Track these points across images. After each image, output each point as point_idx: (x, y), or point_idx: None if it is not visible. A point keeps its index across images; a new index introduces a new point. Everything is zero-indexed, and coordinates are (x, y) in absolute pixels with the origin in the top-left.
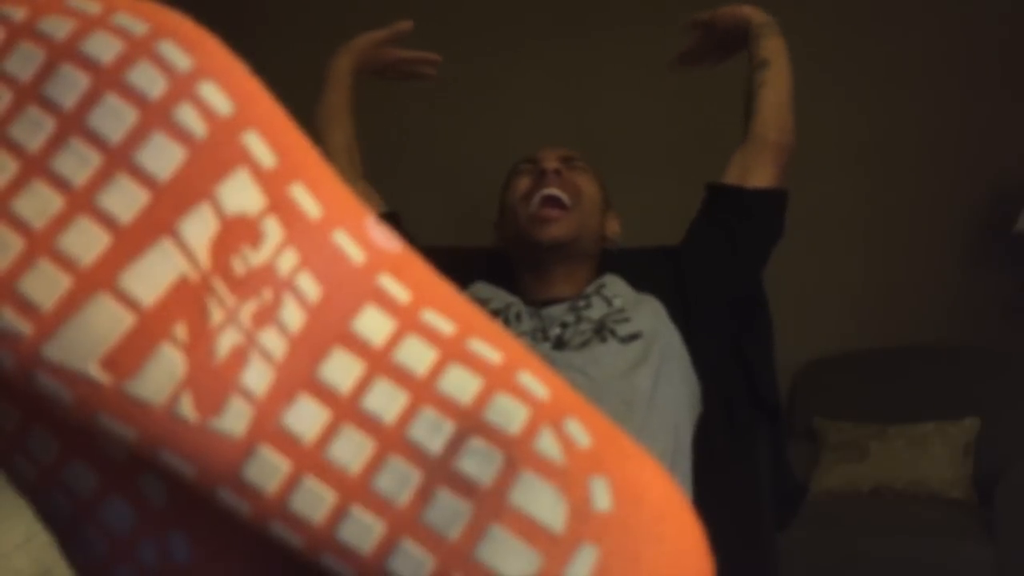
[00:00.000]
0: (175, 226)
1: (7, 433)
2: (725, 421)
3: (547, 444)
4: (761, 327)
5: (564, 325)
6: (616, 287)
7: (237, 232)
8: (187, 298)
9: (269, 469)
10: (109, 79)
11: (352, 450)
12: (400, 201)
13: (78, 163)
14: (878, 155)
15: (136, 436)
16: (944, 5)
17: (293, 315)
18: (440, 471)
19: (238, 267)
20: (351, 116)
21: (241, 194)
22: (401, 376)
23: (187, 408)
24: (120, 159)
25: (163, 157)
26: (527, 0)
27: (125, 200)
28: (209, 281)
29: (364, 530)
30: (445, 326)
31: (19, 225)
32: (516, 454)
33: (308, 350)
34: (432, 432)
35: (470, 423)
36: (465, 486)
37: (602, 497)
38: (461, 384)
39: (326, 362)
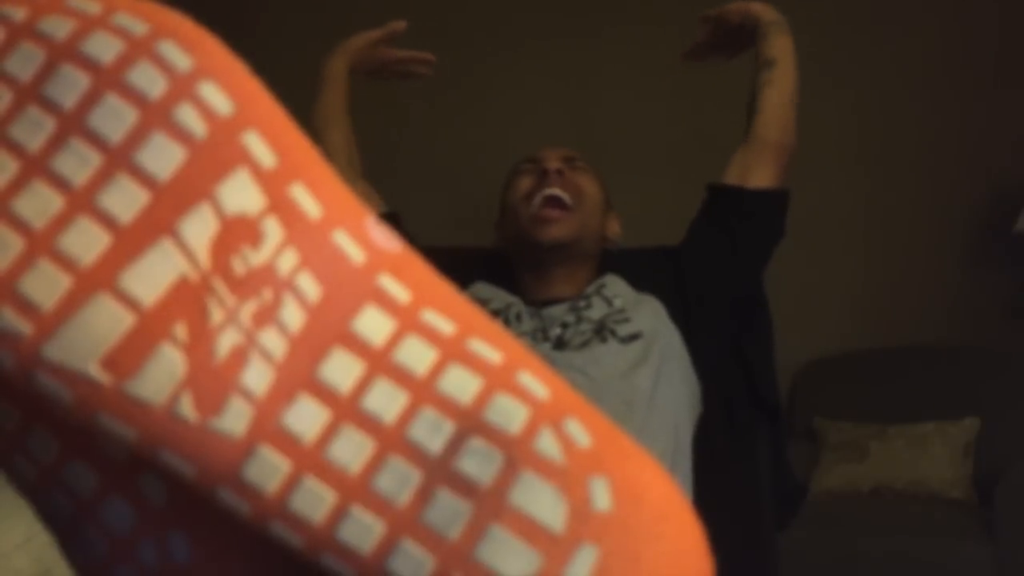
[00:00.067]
0: (175, 226)
1: (7, 433)
2: (725, 421)
3: (547, 444)
4: (761, 327)
5: (564, 325)
6: (616, 287)
7: (237, 232)
8: (187, 298)
9: (269, 469)
10: (109, 79)
11: (352, 450)
12: (400, 201)
13: (78, 163)
14: (878, 155)
15: (136, 436)
16: (944, 5)
17: (293, 315)
18: (440, 471)
19: (238, 267)
20: (348, 116)
21: (241, 194)
22: (401, 376)
23: (187, 408)
24: (120, 159)
25: (163, 157)
26: (527, 0)
27: (125, 200)
28: (209, 281)
29: (364, 530)
30: (445, 326)
31: (19, 225)
32: (516, 454)
33: (308, 350)
34: (432, 432)
35: (470, 423)
36: (465, 486)
37: (602, 497)
38: (461, 384)
39: (326, 362)
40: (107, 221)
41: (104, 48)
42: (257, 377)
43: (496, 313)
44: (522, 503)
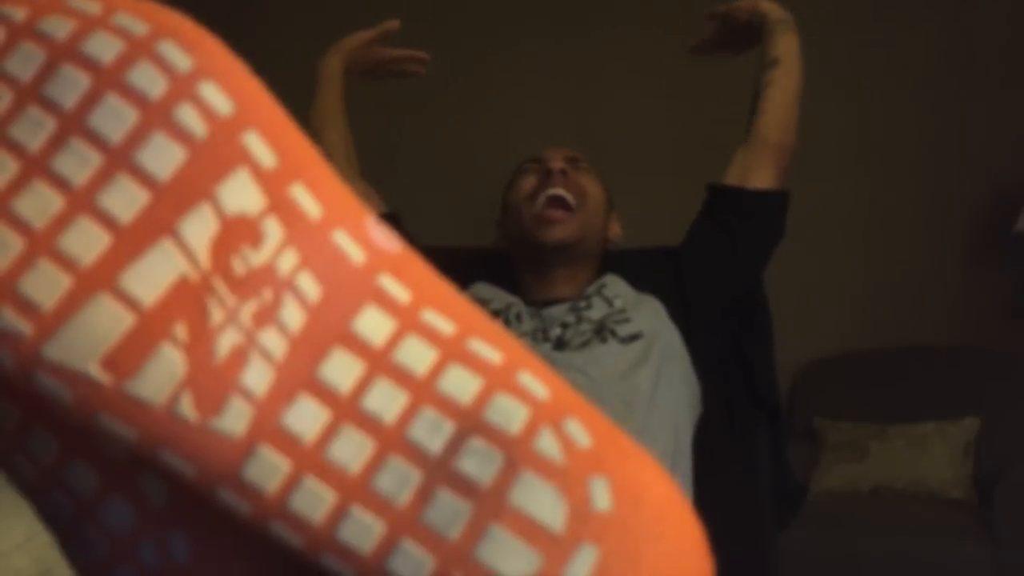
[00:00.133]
0: (175, 226)
1: (7, 433)
2: (725, 421)
3: (547, 444)
4: (761, 327)
5: (565, 325)
6: (617, 287)
7: (237, 232)
8: (187, 298)
9: (269, 469)
10: (109, 79)
11: (352, 450)
12: (400, 201)
13: (78, 163)
14: (878, 155)
15: (136, 436)
16: (944, 5)
17: (293, 315)
18: (440, 471)
19: (238, 267)
20: (345, 116)
21: (241, 194)
22: (401, 376)
23: (187, 408)
24: (120, 159)
25: (163, 157)
26: (527, 0)
27: (125, 200)
28: (209, 281)
29: (364, 530)
30: (445, 326)
31: (19, 225)
32: (516, 454)
33: (308, 350)
34: (432, 432)
35: (470, 423)
36: (465, 486)
37: (602, 497)
38: (461, 384)
39: (326, 362)
40: (107, 221)
41: (104, 48)
42: (257, 377)
43: (496, 313)
44: (522, 503)
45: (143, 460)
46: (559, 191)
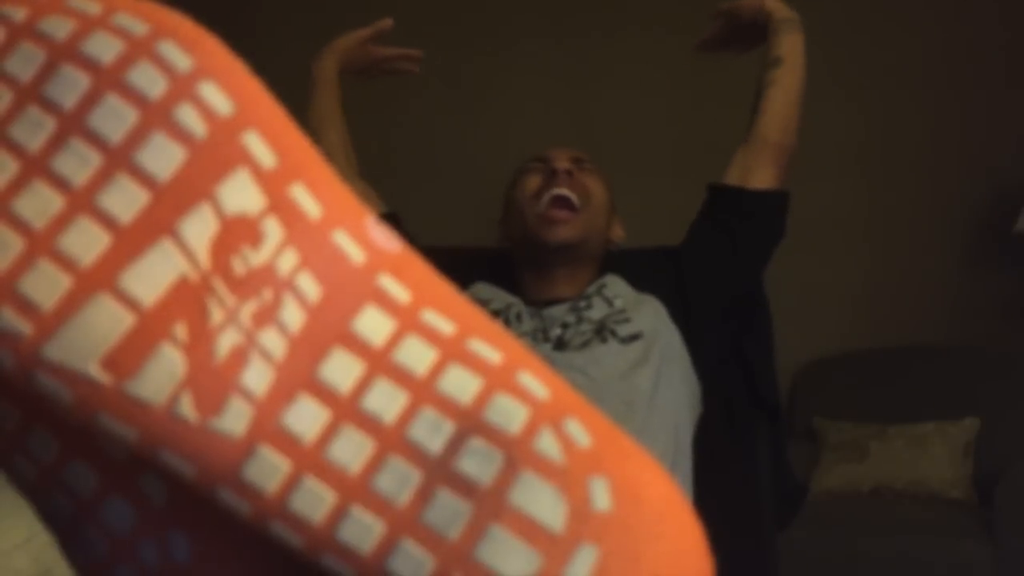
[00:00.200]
0: (175, 226)
1: (7, 433)
2: (725, 421)
3: (547, 444)
4: (761, 327)
5: (565, 326)
6: (617, 287)
7: (237, 232)
8: (187, 298)
9: (269, 469)
10: (109, 79)
11: (352, 450)
12: (400, 201)
13: (78, 163)
14: (878, 155)
15: (136, 436)
16: (945, 5)
17: (293, 315)
18: (440, 471)
19: (238, 267)
20: (342, 116)
21: (241, 194)
22: (401, 376)
23: (187, 408)
24: (120, 159)
25: (163, 157)
26: (528, 0)
27: (125, 200)
28: (209, 281)
29: (364, 530)
30: (445, 326)
31: (19, 225)
32: (516, 454)
33: (308, 350)
34: (432, 432)
35: (470, 423)
36: (465, 486)
37: (602, 497)
38: (461, 384)
39: (326, 362)
40: (107, 221)
41: (104, 48)
42: (257, 377)
43: (496, 313)
44: (522, 503)
45: (143, 460)
46: (564, 191)
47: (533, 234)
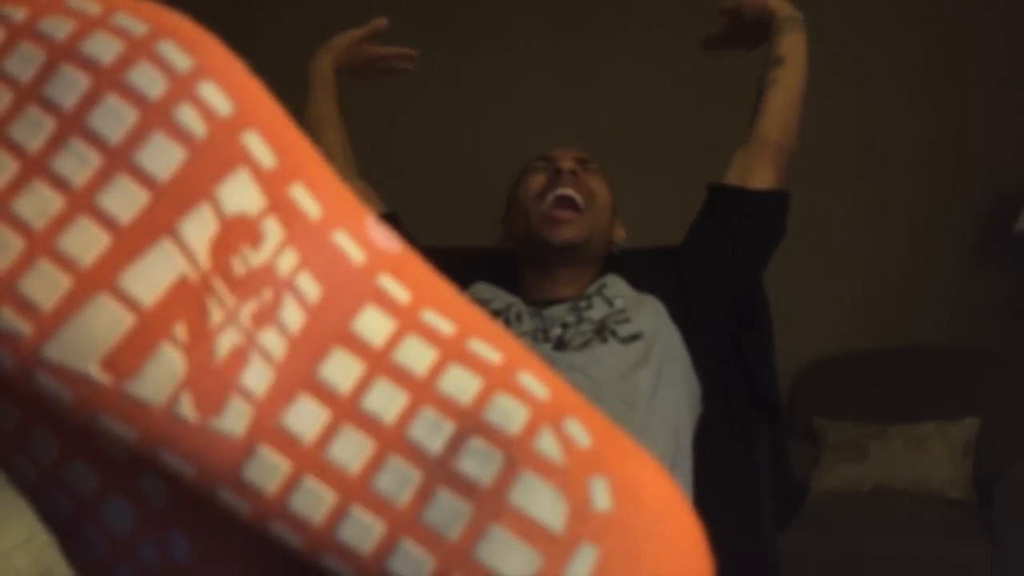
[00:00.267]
0: (175, 226)
1: (7, 433)
2: (725, 421)
3: (547, 444)
4: (761, 327)
5: (565, 325)
6: (617, 287)
7: (237, 232)
8: (187, 298)
9: (269, 469)
10: (109, 79)
11: (352, 450)
12: (400, 201)
13: (78, 163)
14: (878, 155)
15: (136, 436)
16: (945, 5)
17: (293, 315)
18: (440, 471)
19: (238, 267)
20: (340, 116)
21: (241, 194)
22: (401, 376)
23: (187, 408)
24: (120, 159)
25: (163, 157)
26: (529, 1)
27: (125, 200)
28: (209, 281)
29: (364, 530)
30: (445, 326)
31: (19, 225)
32: (516, 454)
33: (308, 350)
34: (432, 432)
35: (470, 423)
36: (465, 486)
37: (602, 497)
38: (461, 384)
39: (326, 362)
40: (107, 221)
41: (104, 48)
42: (257, 377)
43: (496, 313)
44: (522, 503)
45: (143, 460)
46: (568, 191)
47: (537, 233)
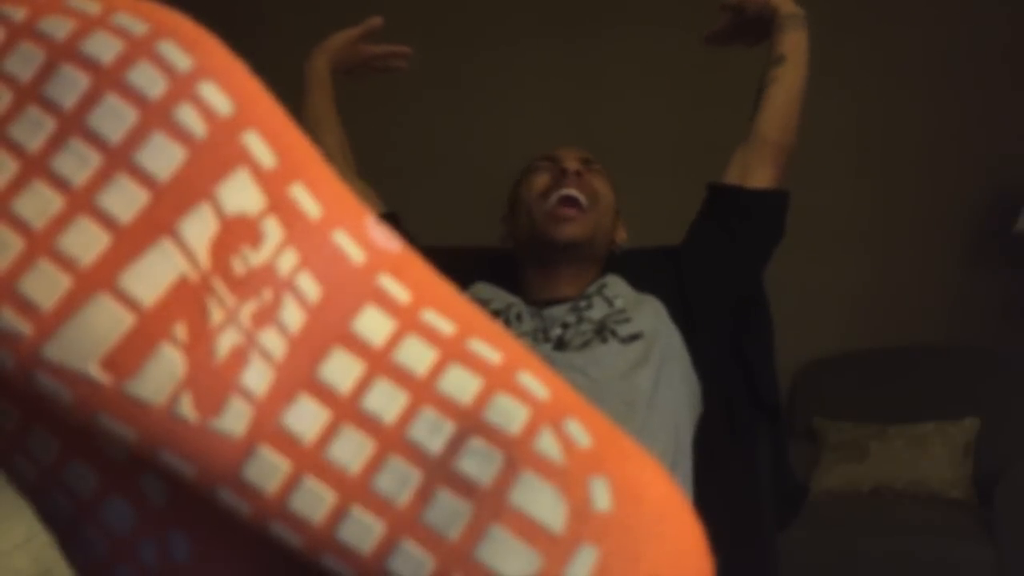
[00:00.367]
0: (175, 226)
1: (7, 433)
2: (725, 421)
3: (547, 444)
4: (761, 327)
5: (565, 326)
6: (617, 287)
7: (237, 232)
8: (187, 298)
9: (269, 469)
10: (109, 79)
11: (352, 450)
12: (400, 201)
13: (78, 163)
14: (878, 155)
15: (136, 436)
16: (945, 5)
17: (293, 315)
18: (440, 471)
19: (238, 267)
20: (338, 116)
21: (241, 194)
22: (401, 376)
23: (187, 408)
24: (120, 159)
25: (163, 157)
26: (529, 0)
27: (125, 200)
28: (209, 281)
29: (364, 530)
30: (445, 326)
31: (19, 225)
32: (516, 454)
33: (308, 350)
34: (432, 432)
35: (470, 423)
36: (465, 486)
37: (602, 497)
38: (461, 384)
39: (326, 362)
40: (107, 221)
41: (104, 48)
42: (257, 377)
43: (497, 313)
44: (522, 503)
45: (143, 460)
46: (573, 192)
47: (541, 232)
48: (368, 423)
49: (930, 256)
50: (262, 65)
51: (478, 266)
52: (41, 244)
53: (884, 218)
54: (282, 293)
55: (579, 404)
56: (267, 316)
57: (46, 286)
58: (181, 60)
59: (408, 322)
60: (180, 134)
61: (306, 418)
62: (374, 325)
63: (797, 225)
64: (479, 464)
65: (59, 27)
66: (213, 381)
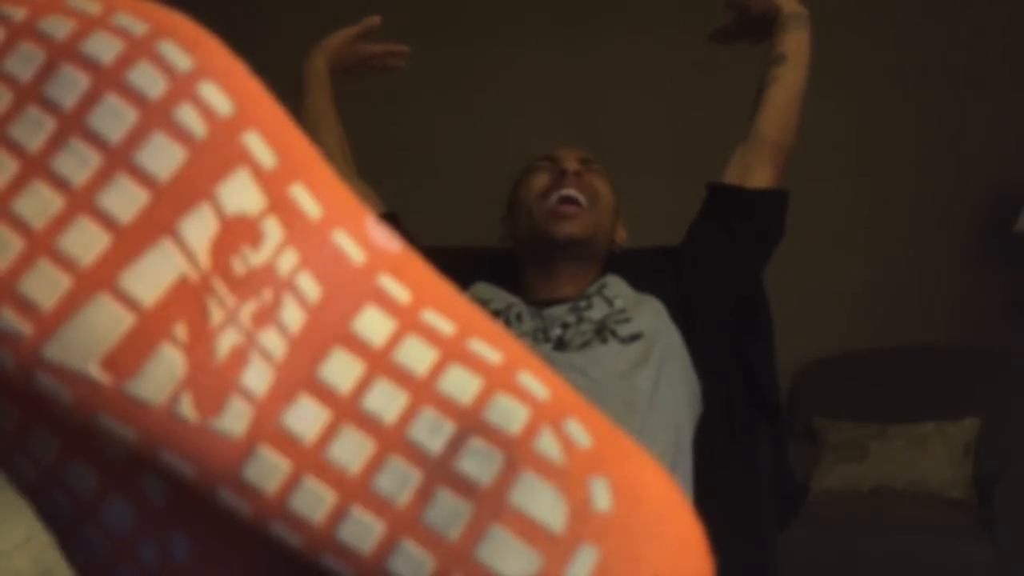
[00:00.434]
0: (175, 226)
1: (7, 433)
2: (725, 421)
3: (547, 444)
4: (761, 327)
5: (565, 326)
6: (617, 287)
7: (237, 232)
8: (187, 298)
9: (269, 469)
10: (109, 79)
11: (352, 450)
12: (400, 201)
13: (78, 163)
14: (878, 155)
15: (136, 436)
16: (945, 5)
17: (293, 315)
18: (440, 471)
19: (238, 267)
20: (337, 115)
21: (241, 194)
22: (401, 376)
23: (187, 408)
24: (120, 159)
25: (163, 157)
26: (529, 0)
27: (125, 200)
28: (209, 281)
29: (364, 530)
30: (445, 326)
31: (19, 225)
32: (516, 454)
33: (308, 350)
34: (432, 432)
35: (470, 423)
36: (465, 486)
37: (602, 497)
38: (461, 384)
39: (326, 362)
40: (107, 221)
41: (104, 48)
42: (257, 377)
43: (497, 313)
44: (522, 503)
45: (143, 460)
46: (572, 192)
47: (542, 230)
48: (368, 423)
49: (930, 256)
50: (262, 65)
51: (478, 266)
52: (41, 244)
53: (884, 218)
54: (282, 293)
55: (579, 404)
56: (267, 316)
57: (46, 286)
58: (181, 60)
59: (408, 322)
60: (180, 134)
61: (306, 418)
62: (374, 325)
63: (797, 225)
64: (479, 464)
65: (59, 27)
66: (213, 381)
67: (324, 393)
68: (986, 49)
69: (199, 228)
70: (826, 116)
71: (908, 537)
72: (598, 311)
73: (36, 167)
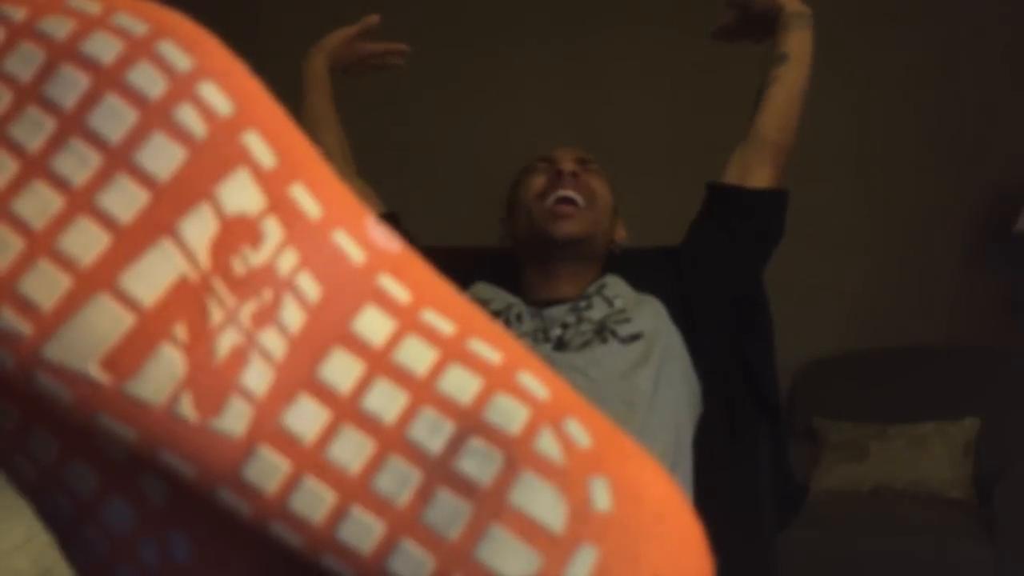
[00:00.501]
0: (175, 226)
1: (7, 433)
2: (725, 421)
3: (547, 444)
4: (761, 327)
5: (565, 326)
6: (617, 287)
7: (237, 232)
8: (187, 298)
9: (269, 469)
10: (109, 79)
11: (352, 450)
12: (400, 201)
13: (78, 163)
14: (878, 155)
15: (136, 436)
16: (945, 6)
17: (293, 315)
18: (440, 471)
19: (238, 267)
20: (337, 115)
21: (241, 194)
22: (401, 376)
23: (187, 408)
24: (120, 159)
25: (163, 157)
26: (529, 0)
27: (125, 200)
28: (209, 281)
29: (364, 530)
30: (445, 326)
31: (19, 225)
32: (516, 454)
33: (308, 350)
34: (432, 432)
35: (470, 423)
36: (465, 486)
37: (602, 497)
38: (461, 384)
39: (326, 362)
40: (107, 221)
41: (104, 48)
42: (257, 377)
43: (497, 314)
44: (522, 503)
45: (143, 460)
46: (569, 193)
47: (540, 230)
48: (368, 423)
49: (930, 256)
50: (262, 65)
51: (478, 266)
52: (41, 244)
53: (884, 218)
54: (282, 293)
55: (579, 404)
56: (267, 316)
57: (46, 286)
58: (181, 60)
59: (408, 322)
60: (180, 134)
61: (306, 418)
62: (374, 325)
63: (797, 225)
64: (479, 464)
65: (59, 27)
66: (213, 381)
67: (324, 393)
68: (986, 49)
69: (199, 228)
70: (826, 116)
71: (908, 537)
72: (598, 311)
73: (36, 167)
